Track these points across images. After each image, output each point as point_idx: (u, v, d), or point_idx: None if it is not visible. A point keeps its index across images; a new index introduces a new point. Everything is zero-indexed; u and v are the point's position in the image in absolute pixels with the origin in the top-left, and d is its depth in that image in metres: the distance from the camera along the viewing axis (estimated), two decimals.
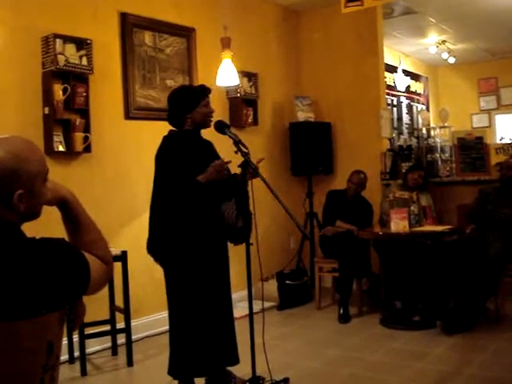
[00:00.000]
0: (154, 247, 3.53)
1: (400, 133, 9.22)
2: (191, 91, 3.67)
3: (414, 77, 10.39)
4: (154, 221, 3.54)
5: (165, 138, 3.60)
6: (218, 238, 3.58)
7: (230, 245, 3.67)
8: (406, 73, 10.05)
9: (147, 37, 5.22)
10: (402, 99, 9.84)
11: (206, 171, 3.39)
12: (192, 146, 3.54)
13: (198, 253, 3.46)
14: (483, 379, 3.82)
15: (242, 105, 6.12)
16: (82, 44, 4.56)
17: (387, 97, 8.19)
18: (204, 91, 3.61)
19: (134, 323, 4.50)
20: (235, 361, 3.60)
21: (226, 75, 5.57)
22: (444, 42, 9.02)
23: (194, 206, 3.44)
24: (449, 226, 5.32)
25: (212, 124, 3.56)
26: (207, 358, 3.47)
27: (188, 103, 3.54)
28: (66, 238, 1.69)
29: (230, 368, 3.64)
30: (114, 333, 4.56)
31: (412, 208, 5.22)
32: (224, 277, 3.61)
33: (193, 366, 3.48)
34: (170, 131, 3.62)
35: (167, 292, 3.56)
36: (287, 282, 6.04)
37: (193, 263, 3.45)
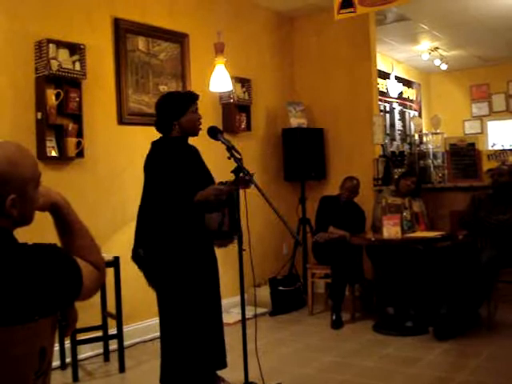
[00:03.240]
0: (139, 255, 3.52)
1: (392, 139, 9.24)
2: (179, 98, 3.62)
3: (407, 83, 10.43)
4: (140, 229, 3.53)
5: (153, 144, 3.58)
6: (206, 245, 3.58)
7: (219, 251, 3.67)
8: (399, 79, 10.09)
9: (140, 42, 5.22)
10: (395, 105, 9.88)
11: (205, 191, 3.35)
12: (180, 154, 3.53)
13: (186, 259, 3.45)
14: None
15: (235, 110, 6.12)
16: (75, 49, 4.56)
17: (380, 103, 8.22)
18: (192, 98, 3.58)
19: (126, 329, 4.48)
20: (223, 365, 3.60)
21: (220, 81, 5.57)
22: (436, 48, 9.06)
23: (183, 218, 3.44)
24: (441, 232, 5.33)
25: (205, 130, 3.53)
26: (198, 364, 3.47)
27: (176, 110, 3.51)
28: (59, 244, 1.68)
29: (221, 374, 3.64)
30: (106, 339, 4.54)
31: (404, 214, 5.24)
32: (213, 281, 3.60)
33: (184, 372, 3.47)
34: (159, 138, 3.62)
35: (158, 300, 3.56)
36: (280, 287, 6.04)
37: (181, 270, 3.45)
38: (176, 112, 3.50)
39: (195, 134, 3.57)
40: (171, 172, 3.43)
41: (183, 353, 3.45)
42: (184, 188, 3.40)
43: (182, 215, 3.43)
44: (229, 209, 3.43)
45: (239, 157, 3.34)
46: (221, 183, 3.48)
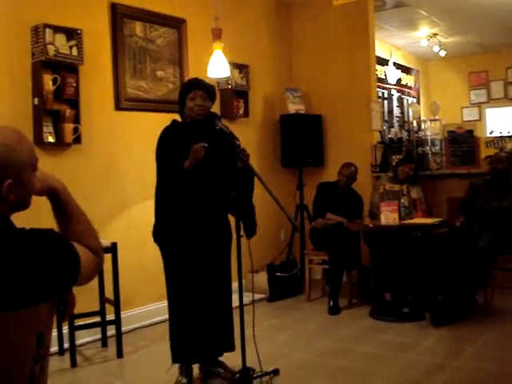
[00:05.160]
0: (157, 234, 3.59)
1: (391, 125, 9.24)
2: (182, 86, 3.82)
3: (405, 70, 10.40)
4: (156, 208, 3.61)
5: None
6: (215, 225, 3.60)
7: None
8: (397, 66, 10.05)
9: (138, 27, 5.18)
10: (393, 92, 9.85)
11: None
12: (185, 136, 3.54)
13: (193, 238, 3.50)
14: (472, 371, 3.84)
15: (233, 96, 6.11)
16: (72, 34, 4.52)
17: (378, 89, 8.20)
18: (188, 86, 3.67)
19: (124, 315, 4.49)
20: (231, 347, 3.65)
21: (217, 67, 5.53)
22: (435, 35, 9.01)
23: (184, 193, 3.47)
24: (439, 219, 5.34)
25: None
26: (205, 343, 3.53)
27: (180, 98, 3.64)
28: (56, 229, 1.68)
29: (223, 359, 3.69)
30: (103, 324, 4.55)
31: (402, 200, 5.24)
32: (223, 263, 3.65)
33: (192, 351, 3.53)
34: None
35: (166, 278, 3.59)
36: (278, 273, 6.05)
37: (189, 249, 3.50)
38: (180, 100, 3.63)
39: (196, 118, 3.57)
40: (167, 148, 3.51)
41: (189, 331, 3.51)
42: (175, 161, 3.43)
43: (185, 194, 3.47)
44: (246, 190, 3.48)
45: (237, 143, 3.34)
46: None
